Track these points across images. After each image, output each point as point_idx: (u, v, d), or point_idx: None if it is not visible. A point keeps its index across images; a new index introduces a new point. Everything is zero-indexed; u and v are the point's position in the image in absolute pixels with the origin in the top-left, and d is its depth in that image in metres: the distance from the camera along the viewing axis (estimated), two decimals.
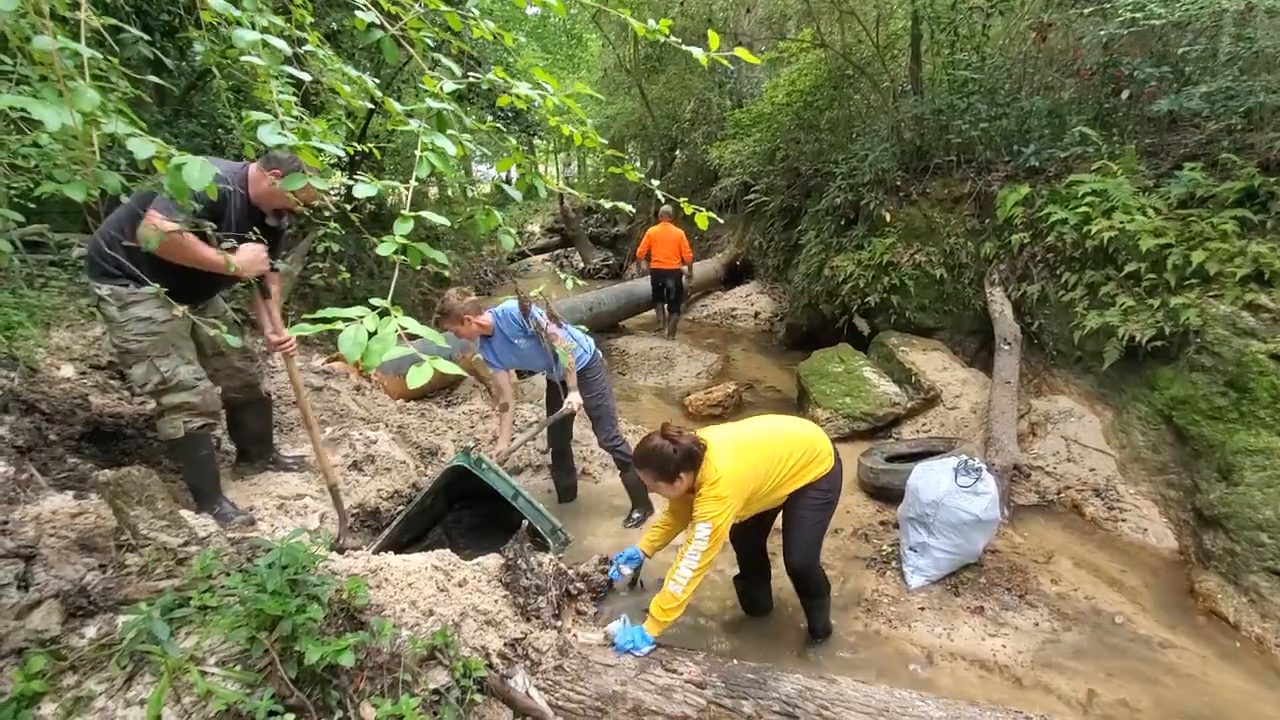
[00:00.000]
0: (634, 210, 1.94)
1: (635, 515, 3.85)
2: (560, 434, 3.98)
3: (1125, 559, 3.58)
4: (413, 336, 0.91)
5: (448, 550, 2.46)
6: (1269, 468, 3.19)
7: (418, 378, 0.88)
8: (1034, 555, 3.56)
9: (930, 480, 3.25)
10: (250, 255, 2.57)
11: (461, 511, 3.68)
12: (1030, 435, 4.59)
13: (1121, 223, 4.25)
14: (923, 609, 3.14)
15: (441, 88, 1.19)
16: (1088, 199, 4.54)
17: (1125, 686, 2.72)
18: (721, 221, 7.82)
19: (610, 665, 2.29)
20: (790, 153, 8.10)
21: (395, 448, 3.94)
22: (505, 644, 2.17)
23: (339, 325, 0.88)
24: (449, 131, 1.14)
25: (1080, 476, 4.18)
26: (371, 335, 0.87)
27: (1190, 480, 3.61)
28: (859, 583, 3.36)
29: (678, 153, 13.32)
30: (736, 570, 3.07)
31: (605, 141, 1.78)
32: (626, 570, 2.77)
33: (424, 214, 1.03)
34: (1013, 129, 5.60)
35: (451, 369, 0.91)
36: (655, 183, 1.74)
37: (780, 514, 2.79)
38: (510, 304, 3.58)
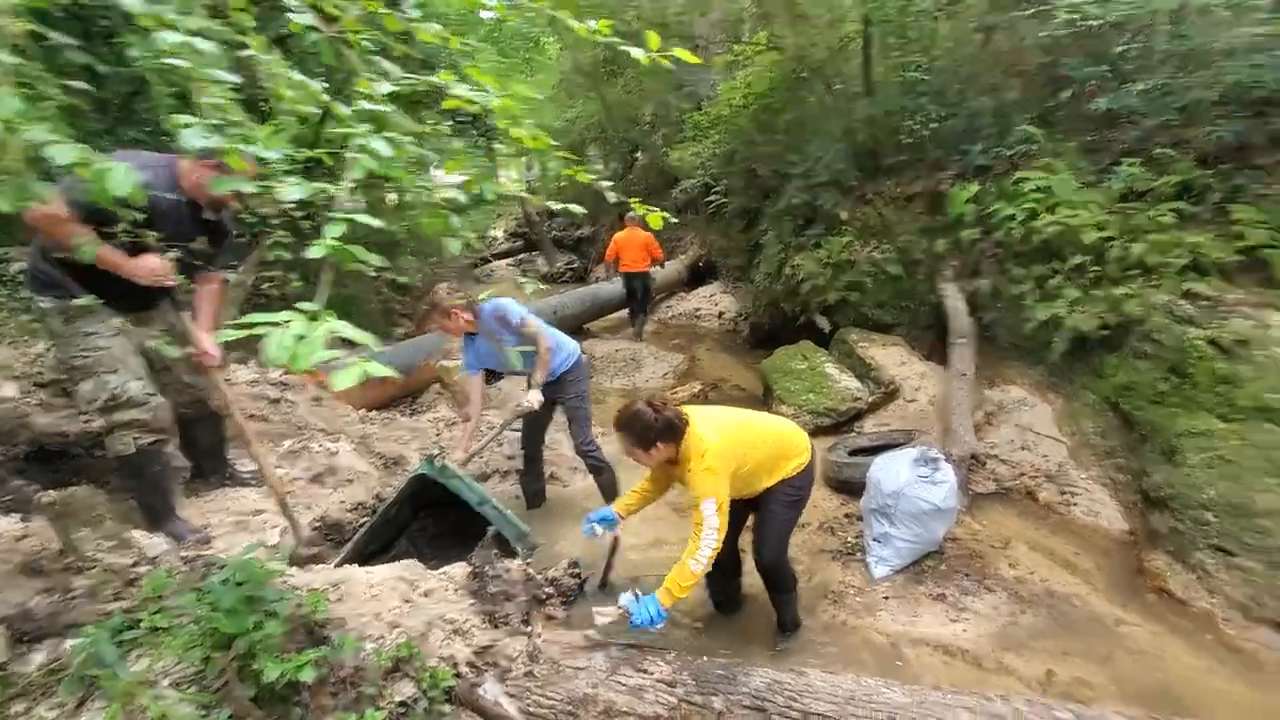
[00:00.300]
0: (584, 212, 1.94)
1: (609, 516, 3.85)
2: (532, 438, 3.96)
3: (1078, 541, 3.71)
4: (350, 343, 0.90)
5: (413, 560, 2.43)
6: (1210, 449, 3.33)
7: (344, 380, 0.87)
8: (992, 541, 3.66)
9: (890, 472, 3.33)
10: (149, 267, 2.50)
11: (427, 520, 3.63)
12: (986, 425, 4.72)
13: (1065, 217, 4.41)
14: (887, 598, 3.20)
15: (377, 90, 1.18)
16: (1033, 195, 4.70)
17: (1082, 665, 2.82)
18: (675, 221, 7.88)
19: (581, 668, 2.28)
20: (748, 154, 8.20)
21: (358, 458, 3.87)
22: (474, 652, 2.15)
23: (263, 330, 0.87)
24: (387, 134, 1.13)
25: (1034, 463, 4.31)
26: (300, 339, 0.85)
27: (1137, 463, 3.76)
28: (826, 575, 3.41)
29: (638, 155, 13.37)
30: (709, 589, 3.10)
31: (556, 143, 1.78)
32: (600, 529, 2.79)
33: (357, 216, 1.02)
34: (961, 128, 5.77)
35: (382, 371, 0.91)
36: (606, 184, 1.75)
37: (752, 512, 2.82)
38: (497, 300, 3.57)
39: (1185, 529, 3.28)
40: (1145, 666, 2.82)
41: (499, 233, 17.41)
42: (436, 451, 3.20)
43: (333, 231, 0.99)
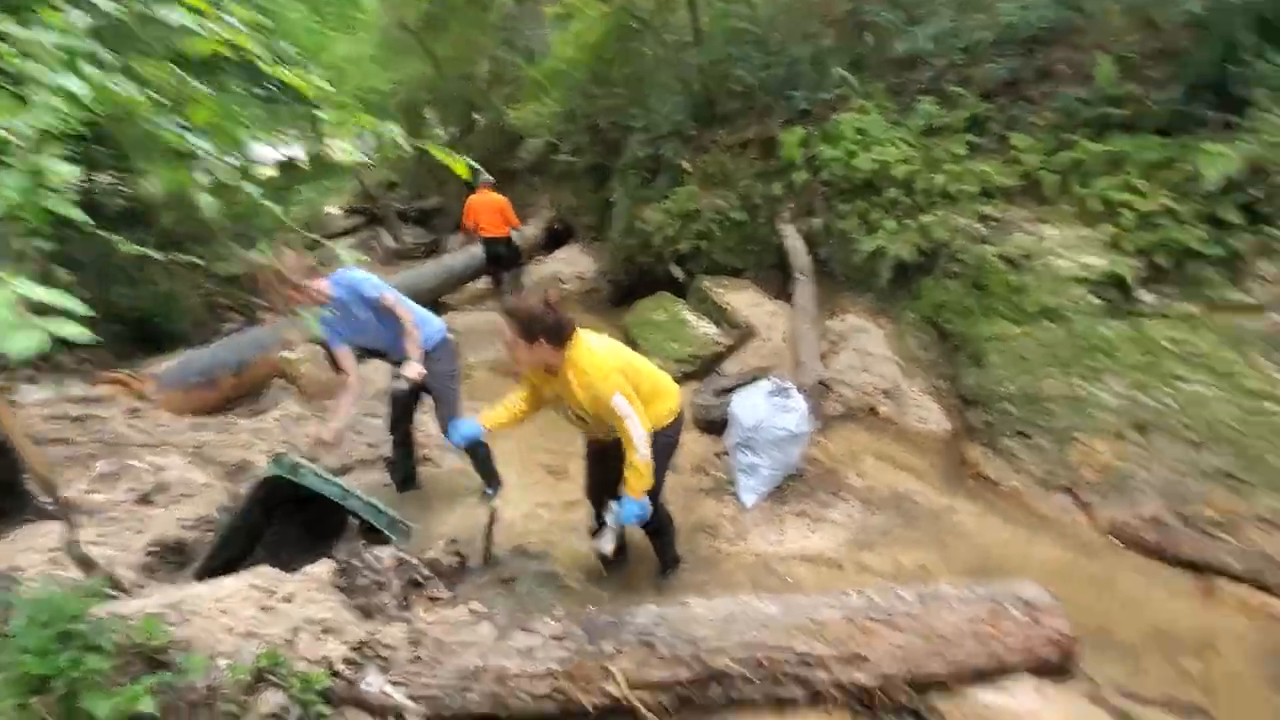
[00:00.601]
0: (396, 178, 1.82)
1: (488, 491, 3.77)
2: (399, 421, 3.76)
3: (913, 446, 4.17)
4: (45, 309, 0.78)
5: (267, 567, 2.25)
6: (1007, 350, 3.84)
7: (20, 342, 0.75)
8: (843, 458, 4.01)
9: (748, 405, 3.53)
10: None
11: (285, 524, 3.37)
12: (831, 354, 5.11)
13: (879, 155, 4.80)
14: (757, 523, 3.43)
15: (71, 20, 1.01)
16: (851, 136, 5.06)
17: (923, 552, 3.20)
18: (480, 169, 7.73)
19: (469, 642, 2.25)
20: (589, 110, 8.11)
21: (193, 471, 3.50)
22: (350, 649, 2.05)
23: None
24: (86, 70, 0.96)
25: (873, 383, 4.75)
26: None
27: (953, 371, 4.26)
28: (701, 512, 3.59)
29: (477, 116, 12.78)
30: (590, 525, 3.14)
31: (373, 106, 1.65)
32: (457, 445, 2.86)
33: (46, 165, 0.87)
34: (784, 75, 6.05)
35: (79, 332, 0.79)
36: (422, 143, 1.65)
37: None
38: (351, 270, 3.31)
39: (994, 421, 3.79)
40: (971, 544, 3.26)
41: (335, 209, 16.04)
42: (285, 450, 2.96)
43: (6, 183, 0.83)
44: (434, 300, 7.73)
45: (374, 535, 2.87)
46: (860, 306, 5.26)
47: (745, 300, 5.87)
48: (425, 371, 3.39)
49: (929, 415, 4.39)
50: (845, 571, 3.05)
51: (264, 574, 2.17)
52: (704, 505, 3.64)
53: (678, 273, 6.53)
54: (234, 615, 1.89)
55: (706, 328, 5.68)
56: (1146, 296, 3.55)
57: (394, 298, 3.38)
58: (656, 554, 3.08)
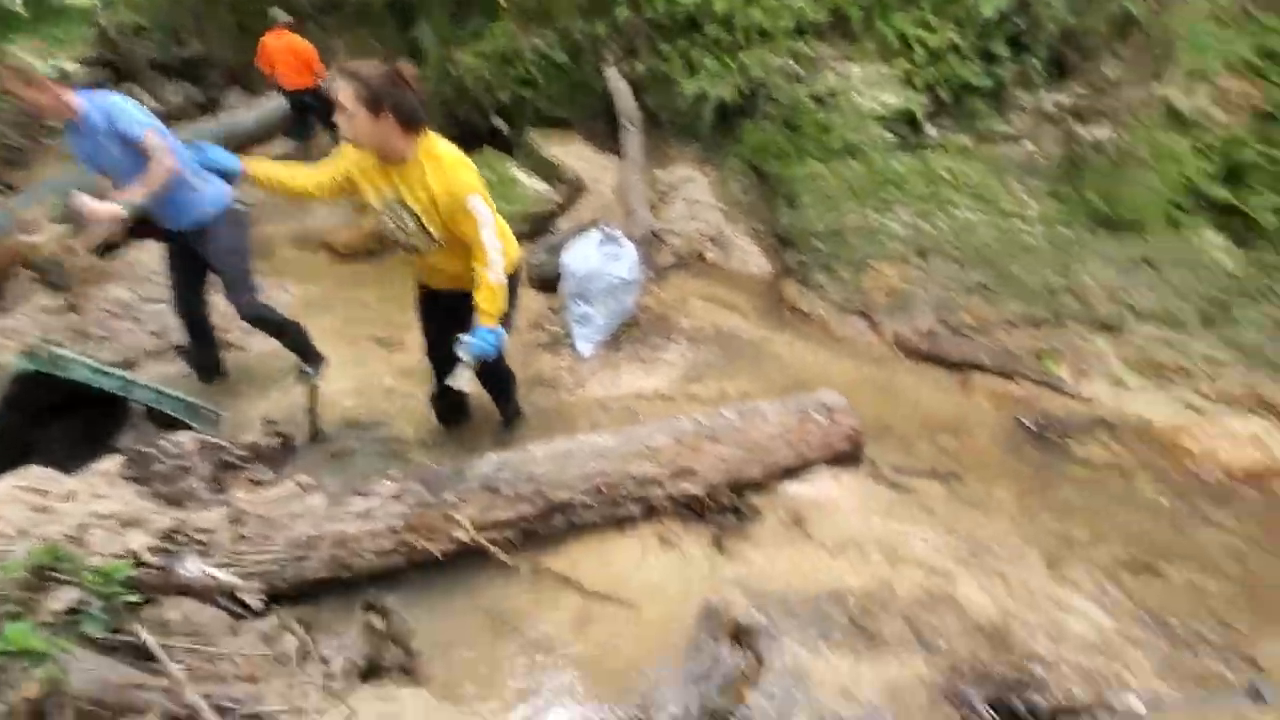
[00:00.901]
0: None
1: (307, 370, 3.50)
2: (185, 301, 3.28)
3: (737, 288, 4.43)
4: None
5: (37, 467, 1.96)
6: (817, 190, 4.09)
7: None
8: (674, 303, 4.18)
9: (579, 256, 3.51)
10: None
11: (65, 431, 2.95)
12: (661, 204, 5.15)
13: None
14: (594, 371, 3.55)
15: None
16: None
17: (745, 380, 3.50)
18: (276, 8, 6.62)
19: (299, 514, 2.18)
20: None
21: None
22: (158, 538, 1.90)
23: None
24: None
25: (701, 230, 4.89)
26: None
27: (771, 213, 4.48)
28: (539, 366, 3.62)
29: None
30: (430, 386, 3.00)
31: None
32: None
33: None
34: None
35: None
36: None
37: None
38: (113, 96, 2.78)
39: (806, 258, 4.10)
40: (785, 368, 3.62)
41: (70, 65, 12.81)
42: (40, 340, 2.52)
43: None
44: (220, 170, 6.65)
45: (178, 429, 2.60)
46: (688, 156, 5.28)
47: (574, 154, 5.65)
48: (117, 213, 2.74)
49: (750, 258, 4.65)
50: (677, 403, 3.27)
51: (32, 475, 1.90)
52: (542, 360, 3.67)
53: (501, 125, 6.09)
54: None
55: (537, 185, 5.44)
56: (931, 131, 3.88)
57: (162, 141, 2.77)
58: (499, 410, 3.09)
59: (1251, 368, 3.29)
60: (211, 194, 3.02)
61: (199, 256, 3.14)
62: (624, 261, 3.52)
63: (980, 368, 3.49)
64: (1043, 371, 3.48)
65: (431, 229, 2.27)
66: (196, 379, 3.46)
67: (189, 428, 2.55)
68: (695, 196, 5.06)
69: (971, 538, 2.52)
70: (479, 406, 3.20)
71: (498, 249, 2.25)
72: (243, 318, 3.26)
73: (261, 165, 2.42)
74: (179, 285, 3.24)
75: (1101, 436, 3.13)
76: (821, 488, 2.66)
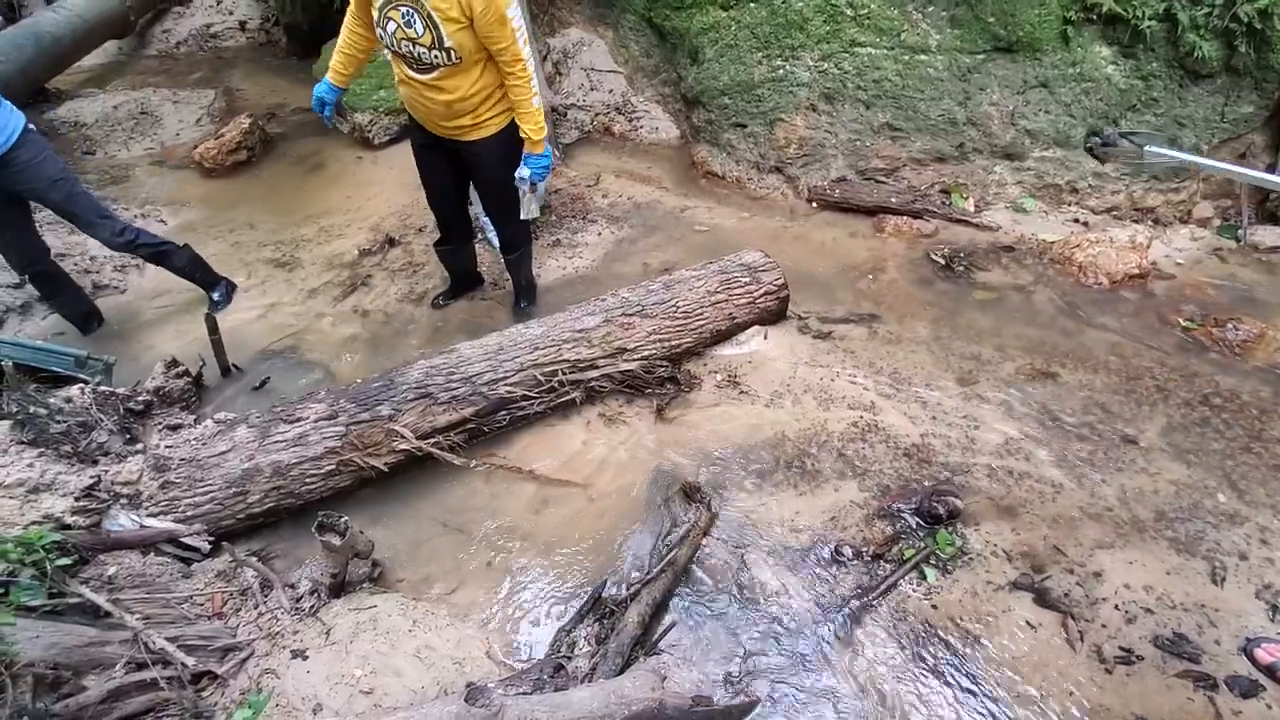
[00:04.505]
0: None
1: (214, 297, 3.21)
2: (16, 249, 2.88)
3: (649, 158, 4.29)
4: None
5: None
6: (720, 41, 3.86)
7: None
8: (586, 182, 4.02)
9: None
10: None
11: None
12: (557, 76, 4.81)
13: None
14: None
15: None
16: None
17: (667, 251, 3.47)
18: None
19: (227, 451, 2.09)
20: None
21: None
22: (76, 498, 1.79)
23: None
24: None
25: (604, 100, 4.63)
26: None
27: (675, 73, 4.25)
28: None
29: None
30: (436, 236, 3.00)
31: None
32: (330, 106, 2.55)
33: None
34: None
35: None
36: None
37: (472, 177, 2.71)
38: None
39: (714, 118, 3.95)
40: (705, 235, 3.59)
41: None
42: None
43: None
44: (30, 90, 5.66)
45: (61, 385, 2.38)
46: (579, 17, 4.87)
47: None
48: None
49: (659, 125, 4.47)
50: (601, 284, 3.22)
51: None
52: None
53: None
54: None
55: None
56: None
57: None
58: (515, 282, 3.08)
59: (1132, 178, 3.50)
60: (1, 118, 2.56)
61: (11, 193, 2.69)
62: None
63: (892, 210, 3.56)
64: (950, 206, 3.60)
65: (452, 43, 2.15)
66: (80, 334, 3.12)
67: (75, 381, 2.35)
68: (594, 63, 4.74)
69: (893, 371, 2.69)
70: (398, 312, 3.09)
71: (535, 70, 2.24)
72: (113, 248, 2.92)
73: (340, 73, 2.40)
74: (1, 235, 2.81)
75: (1003, 260, 3.32)
76: (752, 346, 2.74)
